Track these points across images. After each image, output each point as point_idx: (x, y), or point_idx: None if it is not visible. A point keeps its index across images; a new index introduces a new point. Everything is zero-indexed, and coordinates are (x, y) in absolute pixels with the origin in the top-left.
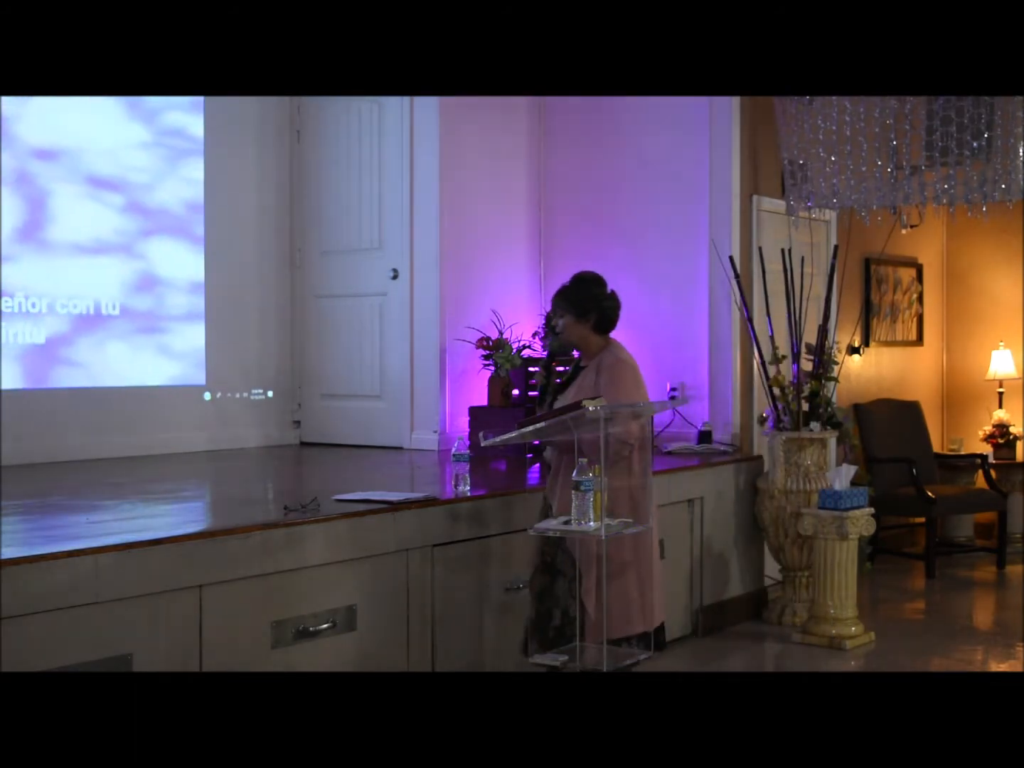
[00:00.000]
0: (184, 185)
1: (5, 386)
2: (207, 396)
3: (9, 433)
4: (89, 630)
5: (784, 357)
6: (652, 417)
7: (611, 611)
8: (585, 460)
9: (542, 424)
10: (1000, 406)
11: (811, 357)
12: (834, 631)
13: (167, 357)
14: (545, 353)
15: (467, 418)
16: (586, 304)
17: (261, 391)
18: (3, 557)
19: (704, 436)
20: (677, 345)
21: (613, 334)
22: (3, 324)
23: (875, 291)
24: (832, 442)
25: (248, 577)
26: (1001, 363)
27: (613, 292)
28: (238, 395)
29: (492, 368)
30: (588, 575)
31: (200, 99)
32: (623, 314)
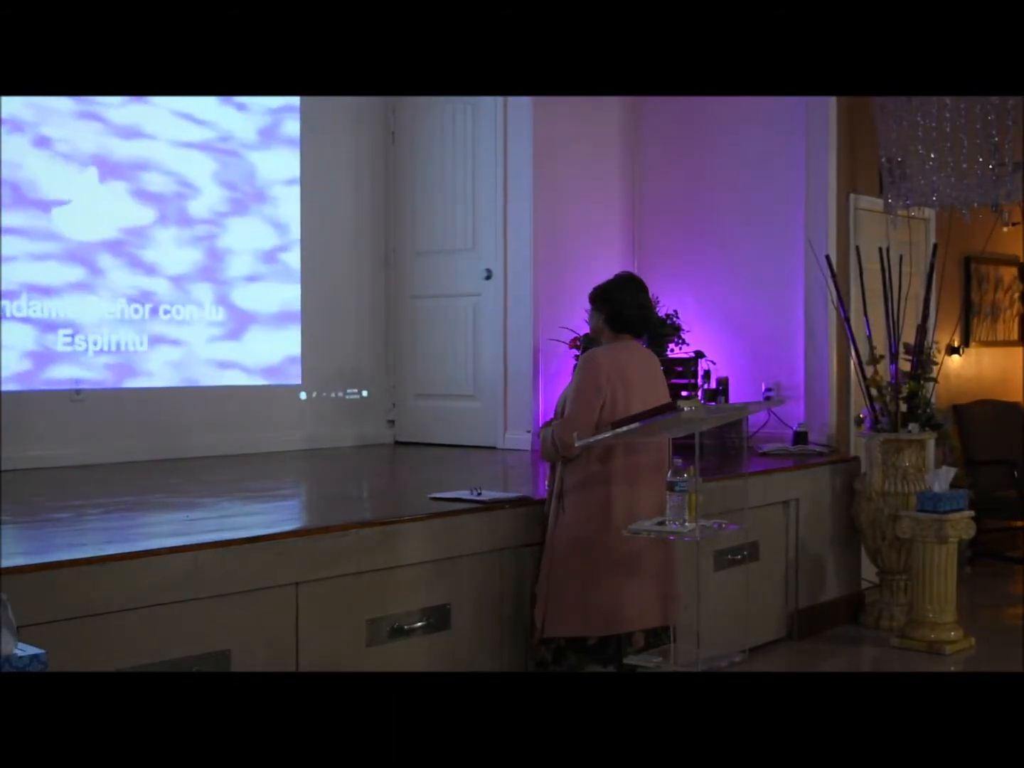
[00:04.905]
0: (282, 186)
1: (109, 386)
2: (303, 396)
3: (112, 431)
4: (188, 626)
5: (882, 357)
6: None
7: (549, 608)
8: (680, 460)
9: (636, 424)
10: None
11: (909, 357)
12: (933, 636)
13: (263, 357)
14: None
15: None
16: (600, 297)
17: (356, 391)
18: (105, 553)
19: (800, 437)
20: (772, 345)
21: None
22: (106, 325)
23: (975, 290)
24: (931, 444)
25: (344, 575)
26: None
27: (640, 296)
28: (333, 395)
29: None
30: (541, 568)
31: (296, 100)
32: (718, 314)
